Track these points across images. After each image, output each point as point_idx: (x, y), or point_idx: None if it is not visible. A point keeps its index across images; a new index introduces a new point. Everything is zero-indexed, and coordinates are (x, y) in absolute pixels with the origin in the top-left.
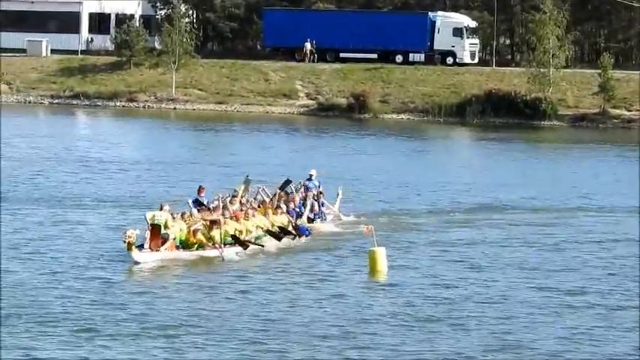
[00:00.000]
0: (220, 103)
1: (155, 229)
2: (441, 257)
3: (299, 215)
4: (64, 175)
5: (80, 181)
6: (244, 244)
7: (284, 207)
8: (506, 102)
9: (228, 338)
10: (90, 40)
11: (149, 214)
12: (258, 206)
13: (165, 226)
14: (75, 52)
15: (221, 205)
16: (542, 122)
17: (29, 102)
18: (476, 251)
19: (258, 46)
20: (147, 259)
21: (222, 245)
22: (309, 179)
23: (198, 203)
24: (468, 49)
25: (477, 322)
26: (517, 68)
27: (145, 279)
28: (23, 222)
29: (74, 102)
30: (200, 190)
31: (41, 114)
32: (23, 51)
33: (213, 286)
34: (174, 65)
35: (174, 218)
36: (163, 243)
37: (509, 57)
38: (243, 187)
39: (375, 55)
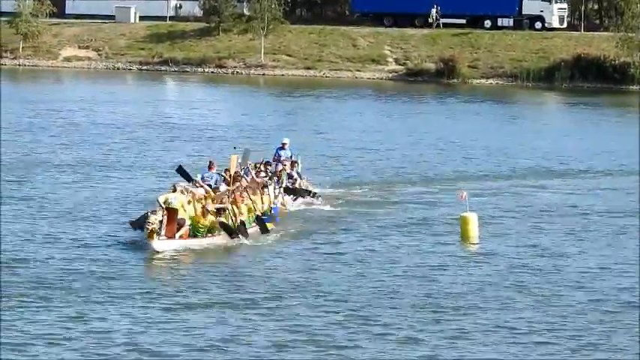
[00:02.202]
0: (309, 68)
1: (171, 213)
2: (532, 224)
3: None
4: (160, 143)
5: (177, 148)
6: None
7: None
8: (594, 67)
9: (331, 308)
10: (178, 6)
11: (161, 197)
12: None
13: (182, 210)
14: (163, 18)
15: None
16: (631, 87)
17: (118, 68)
18: (568, 218)
19: (347, 12)
20: (166, 247)
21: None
22: (282, 148)
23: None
24: (556, 13)
25: (574, 291)
26: (605, 33)
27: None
28: (123, 189)
29: (163, 68)
30: (211, 165)
31: (130, 80)
32: (112, 17)
33: (300, 258)
34: (262, 31)
35: (189, 202)
36: (178, 229)
37: (598, 21)
38: (235, 159)
39: (463, 20)
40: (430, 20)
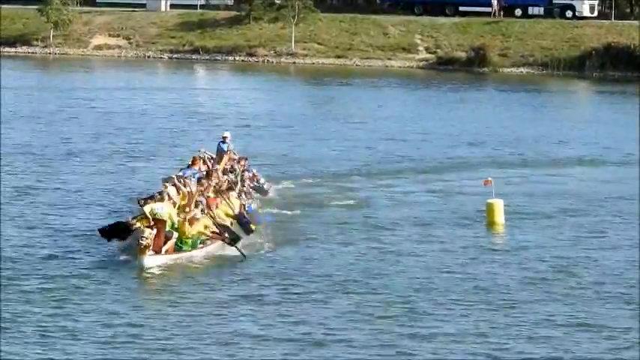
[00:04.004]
0: (339, 57)
1: (160, 224)
2: (559, 211)
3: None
4: (191, 131)
5: (206, 137)
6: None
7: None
8: (625, 55)
9: (359, 304)
10: None
11: (147, 207)
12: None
13: (170, 220)
14: (194, 6)
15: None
16: None
17: (148, 57)
18: (597, 206)
19: (378, 0)
20: (156, 263)
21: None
22: (223, 142)
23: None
24: (587, 2)
25: (601, 284)
26: (636, 21)
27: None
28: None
29: (193, 57)
30: (194, 162)
31: (161, 69)
32: (142, 6)
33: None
34: (293, 19)
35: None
36: (165, 242)
37: (629, 10)
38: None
39: None
40: (491, 10)
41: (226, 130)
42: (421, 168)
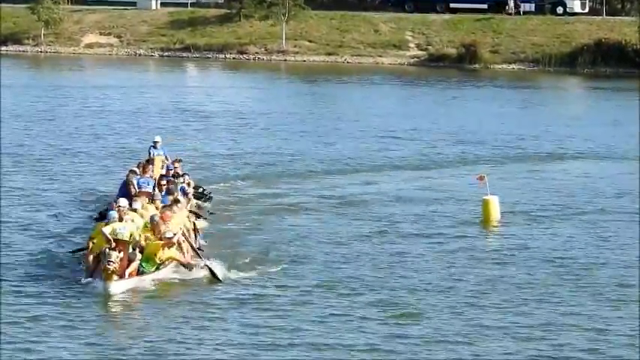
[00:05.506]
0: (330, 54)
1: (122, 245)
2: (554, 210)
3: None
4: (184, 131)
5: (198, 137)
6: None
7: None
8: (616, 51)
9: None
10: None
11: (107, 228)
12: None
13: (131, 241)
14: (184, 4)
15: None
16: None
17: (139, 55)
18: (591, 202)
19: None
20: (123, 288)
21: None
22: (154, 147)
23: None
24: None
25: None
26: (627, 17)
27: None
28: None
29: (184, 54)
30: (145, 169)
31: (152, 67)
32: (133, 4)
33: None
34: (284, 17)
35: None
36: (128, 264)
37: (620, 6)
38: (160, 161)
39: (485, 6)
40: (507, 9)
41: (157, 135)
42: (414, 165)
